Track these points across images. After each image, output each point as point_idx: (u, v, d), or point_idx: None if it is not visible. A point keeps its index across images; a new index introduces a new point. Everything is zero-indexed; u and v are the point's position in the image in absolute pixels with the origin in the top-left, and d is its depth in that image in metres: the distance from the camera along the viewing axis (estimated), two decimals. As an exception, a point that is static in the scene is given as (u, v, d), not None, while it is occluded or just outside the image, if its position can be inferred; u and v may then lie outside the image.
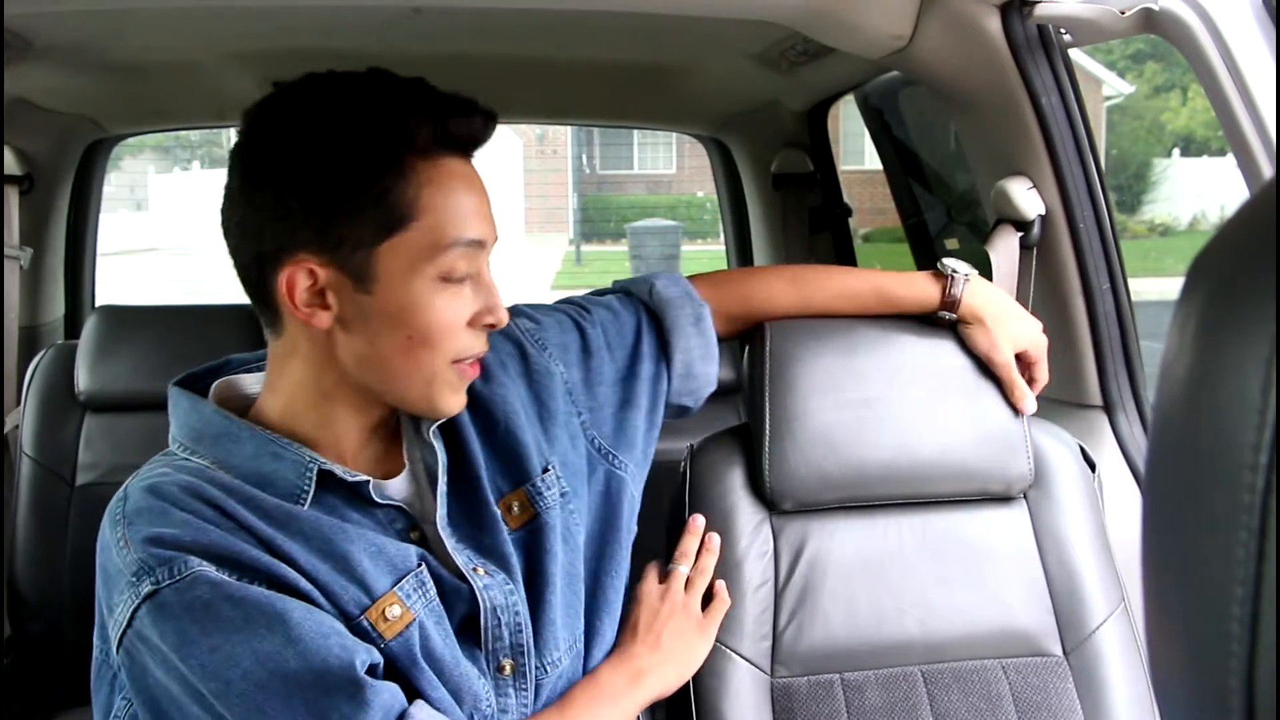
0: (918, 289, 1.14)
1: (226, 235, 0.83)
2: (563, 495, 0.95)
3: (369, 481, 0.84)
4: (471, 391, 0.92)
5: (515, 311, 1.03)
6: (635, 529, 1.03)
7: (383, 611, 0.79)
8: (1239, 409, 0.26)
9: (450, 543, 0.87)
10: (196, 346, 1.96)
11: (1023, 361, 1.15)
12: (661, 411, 1.08)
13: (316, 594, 0.77)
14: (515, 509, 0.92)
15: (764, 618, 1.10)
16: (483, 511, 0.90)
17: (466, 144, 0.84)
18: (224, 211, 0.83)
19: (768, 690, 1.08)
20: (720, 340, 1.12)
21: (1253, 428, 0.26)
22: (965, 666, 1.10)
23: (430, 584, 0.83)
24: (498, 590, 0.87)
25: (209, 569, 0.74)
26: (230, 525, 0.77)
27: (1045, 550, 1.15)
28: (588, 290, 1.16)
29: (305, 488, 0.82)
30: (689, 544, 1.08)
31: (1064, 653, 1.12)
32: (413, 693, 0.79)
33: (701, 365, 1.09)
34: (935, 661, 1.10)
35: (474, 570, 0.86)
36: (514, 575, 0.88)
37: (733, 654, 1.08)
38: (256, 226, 0.80)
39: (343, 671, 0.74)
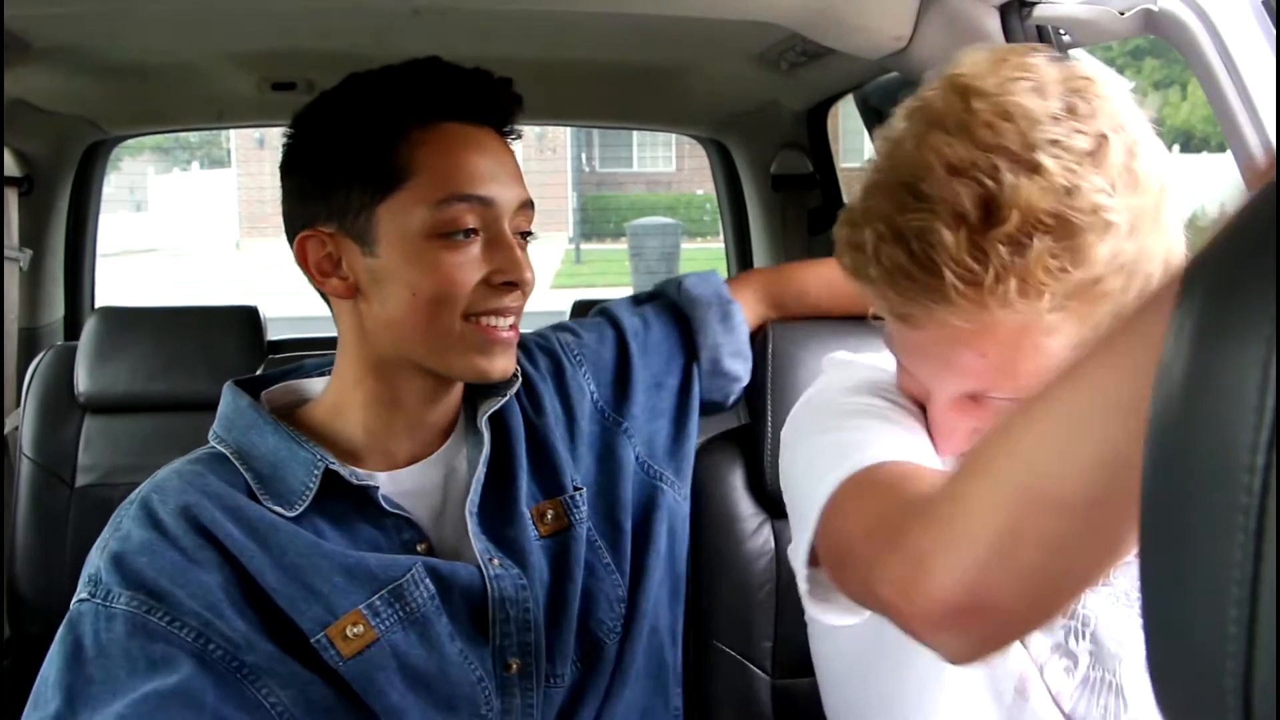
0: None
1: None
2: (585, 515, 0.96)
3: (377, 488, 0.85)
4: (522, 404, 0.96)
5: (559, 326, 1.07)
6: (687, 539, 1.04)
7: (343, 630, 0.79)
8: (1236, 410, 0.26)
9: (472, 528, 0.87)
10: (196, 348, 1.97)
11: None
12: (695, 417, 1.08)
13: (239, 642, 0.76)
14: (549, 517, 0.93)
15: (765, 619, 1.10)
16: (512, 508, 0.91)
17: (473, 111, 0.86)
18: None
19: (769, 691, 1.08)
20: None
21: (1250, 428, 0.26)
22: (965, 666, 1.10)
23: (418, 593, 0.82)
24: (509, 583, 0.87)
25: (136, 609, 0.75)
26: (200, 544, 0.78)
27: (1045, 550, 1.15)
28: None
29: (311, 486, 0.83)
30: None
31: (1064, 652, 1.12)
32: (371, 713, 0.79)
33: (730, 362, 1.10)
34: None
35: (489, 560, 0.87)
36: (531, 574, 0.89)
37: (734, 655, 1.08)
38: (289, 211, 0.88)
39: None
